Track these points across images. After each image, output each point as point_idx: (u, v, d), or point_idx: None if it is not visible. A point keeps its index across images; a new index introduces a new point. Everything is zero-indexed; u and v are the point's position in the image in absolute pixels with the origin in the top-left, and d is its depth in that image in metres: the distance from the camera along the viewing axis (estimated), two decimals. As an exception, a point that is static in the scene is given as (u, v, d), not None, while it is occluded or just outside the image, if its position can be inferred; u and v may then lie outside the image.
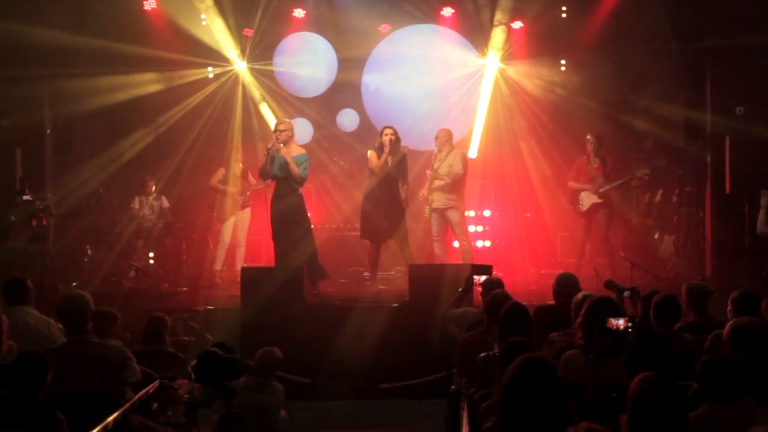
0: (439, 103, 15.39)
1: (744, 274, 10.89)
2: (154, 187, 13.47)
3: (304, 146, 13.82)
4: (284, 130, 10.60)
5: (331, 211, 14.65)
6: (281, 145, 10.45)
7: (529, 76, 14.86)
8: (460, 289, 7.95)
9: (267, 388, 7.41)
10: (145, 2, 13.66)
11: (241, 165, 12.53)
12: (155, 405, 6.65)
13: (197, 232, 13.55)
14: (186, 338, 8.09)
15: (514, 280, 12.12)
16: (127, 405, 5.67)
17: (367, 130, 15.17)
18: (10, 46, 11.64)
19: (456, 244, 14.04)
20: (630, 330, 5.11)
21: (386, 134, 10.97)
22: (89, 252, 12.93)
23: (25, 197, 10.85)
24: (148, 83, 13.63)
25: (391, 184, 11.05)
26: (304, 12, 14.83)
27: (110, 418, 5.30)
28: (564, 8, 14.69)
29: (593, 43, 14.05)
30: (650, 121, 13.50)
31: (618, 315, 5.32)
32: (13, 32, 11.44)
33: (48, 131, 12.76)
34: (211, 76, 14.80)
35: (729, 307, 6.45)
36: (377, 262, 11.20)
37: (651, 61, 13.31)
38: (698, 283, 7.26)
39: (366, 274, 12.84)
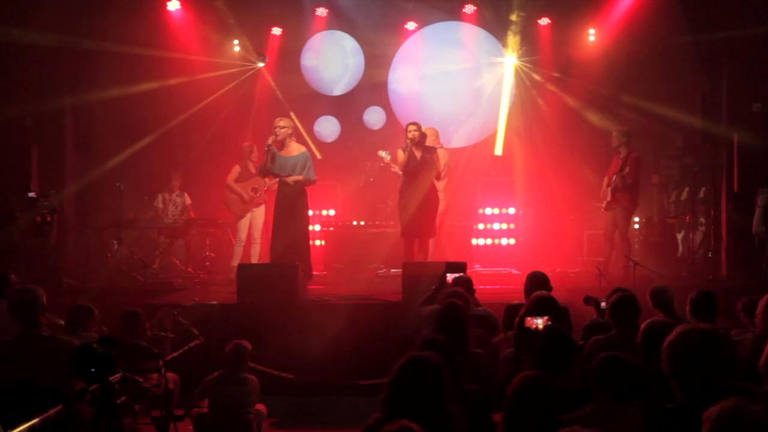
0: (464, 101, 15.39)
1: (756, 274, 10.64)
2: (178, 185, 13.73)
3: (331, 143, 14.21)
4: (283, 127, 10.69)
5: (358, 208, 14.74)
6: (272, 141, 10.56)
7: (554, 72, 14.73)
8: (433, 287, 7.94)
9: (238, 381, 7.49)
10: (168, 2, 13.87)
11: (254, 163, 12.66)
12: (122, 398, 6.79)
13: (220, 228, 13.71)
14: (164, 333, 8.21)
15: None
16: (74, 393, 5.77)
17: (393, 128, 15.24)
18: (33, 46, 11.94)
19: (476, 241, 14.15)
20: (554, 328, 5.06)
21: (409, 131, 11.13)
22: (116, 247, 13.23)
23: (30, 194, 11.15)
24: (168, 80, 13.82)
25: (420, 181, 11.13)
26: (326, 11, 14.91)
27: (52, 410, 5.42)
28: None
29: (617, 36, 13.92)
30: (671, 117, 13.29)
31: (548, 314, 5.28)
32: (34, 33, 11.75)
33: (68, 129, 13.01)
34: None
35: (687, 308, 6.33)
36: (411, 259, 11.17)
37: (672, 56, 13.11)
38: (662, 285, 7.13)
39: (381, 271, 12.99)
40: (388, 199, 14.07)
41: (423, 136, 11.14)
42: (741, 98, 11.44)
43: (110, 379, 6.31)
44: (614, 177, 11.73)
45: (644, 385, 4.16)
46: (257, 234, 12.62)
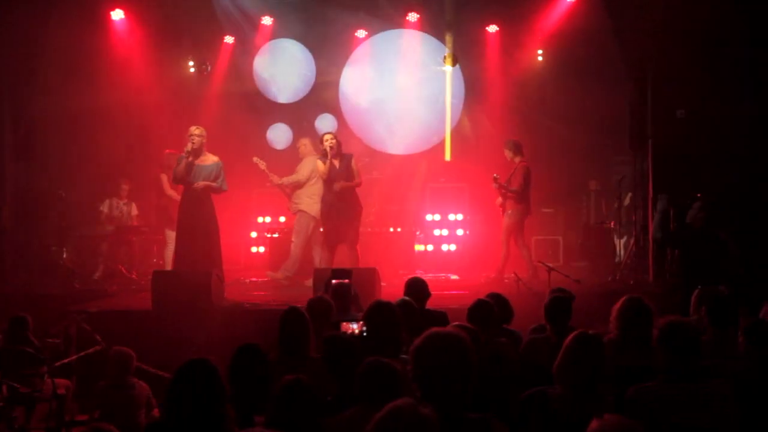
0: (414, 108, 15.51)
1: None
2: (126, 192, 13.86)
3: (282, 152, 14.33)
4: (198, 135, 10.77)
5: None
6: (189, 149, 10.66)
7: (500, 78, 14.85)
8: (318, 294, 8.01)
9: (125, 386, 7.60)
10: (111, 12, 13.99)
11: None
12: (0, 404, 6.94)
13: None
14: (51, 340, 8.33)
15: (466, 284, 12.20)
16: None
17: (345, 134, 15.35)
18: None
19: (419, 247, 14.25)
20: (365, 334, 5.16)
21: (326, 140, 11.33)
22: (65, 254, 13.36)
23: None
24: (112, 86, 13.93)
25: (340, 189, 11.30)
26: (272, 20, 15.07)
27: None
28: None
29: (561, 44, 14.06)
30: (602, 124, 13.42)
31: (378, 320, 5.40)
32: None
33: (6, 138, 13.15)
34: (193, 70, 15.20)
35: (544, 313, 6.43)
36: (331, 266, 11.28)
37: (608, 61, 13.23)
38: (559, 288, 7.21)
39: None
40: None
41: (339, 144, 11.30)
42: (666, 104, 11.48)
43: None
44: (506, 184, 12.01)
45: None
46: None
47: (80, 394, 8.39)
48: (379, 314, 5.58)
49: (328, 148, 11.18)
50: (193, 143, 10.60)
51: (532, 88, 14.80)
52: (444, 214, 14.64)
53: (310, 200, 12.42)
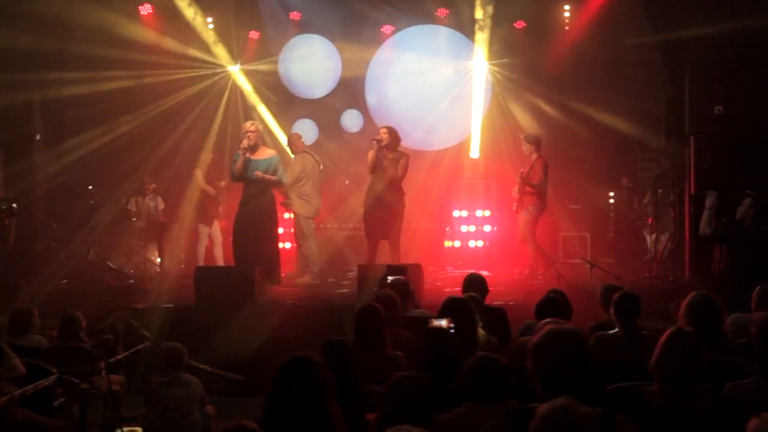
0: (440, 103, 15.44)
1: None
2: (151, 189, 13.82)
3: (309, 146, 14.25)
4: (254, 131, 10.74)
5: (335, 211, 14.81)
6: (246, 145, 10.62)
7: (529, 75, 14.80)
8: (374, 290, 8.00)
9: (180, 383, 7.55)
10: (141, 7, 13.96)
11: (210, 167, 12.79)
12: (60, 401, 6.88)
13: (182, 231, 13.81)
14: (107, 336, 8.28)
15: (500, 280, 12.11)
16: (4, 399, 5.85)
17: (371, 130, 15.31)
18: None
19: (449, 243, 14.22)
20: (453, 331, 5.11)
21: (379, 133, 11.22)
22: (91, 250, 13.33)
23: (-14, 199, 11.28)
24: (134, 80, 13.94)
25: (387, 183, 11.19)
26: (300, 15, 15.02)
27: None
28: (567, 6, 14.67)
29: (588, 41, 14.01)
30: (636, 119, 13.38)
31: (449, 316, 5.35)
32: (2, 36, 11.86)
33: (36, 131, 13.10)
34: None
35: (611, 309, 6.38)
36: (373, 261, 11.27)
37: (638, 58, 13.19)
38: (612, 284, 7.18)
39: (351, 273, 13.06)
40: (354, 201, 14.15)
41: (396, 139, 11.18)
42: (703, 101, 11.43)
43: (43, 381, 6.44)
44: (525, 180, 11.97)
45: (513, 386, 4.23)
46: (219, 236, 12.71)
47: (128, 390, 8.33)
48: (459, 311, 5.54)
49: (375, 140, 11.04)
50: (249, 139, 10.57)
51: (561, 83, 14.69)
52: (471, 211, 14.56)
53: (301, 201, 12.11)
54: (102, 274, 12.48)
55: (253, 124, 10.84)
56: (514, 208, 12.26)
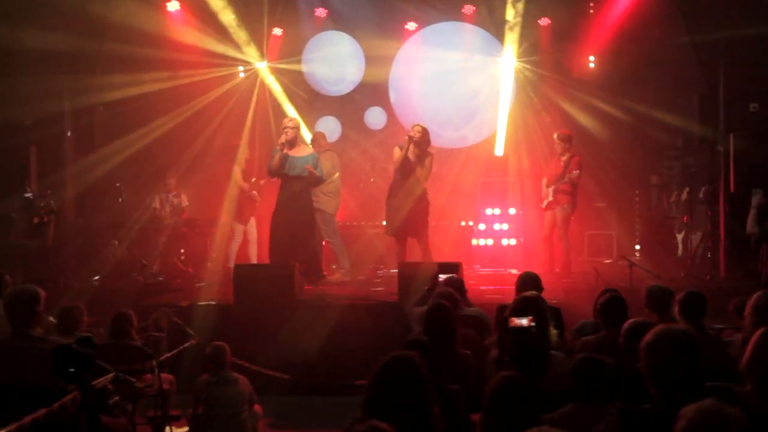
0: (465, 101, 15.41)
1: (753, 274, 10.62)
2: (174, 185, 13.75)
3: (332, 143, 14.20)
4: (293, 127, 10.70)
5: (358, 208, 14.78)
6: (283, 141, 10.59)
7: (554, 73, 14.76)
8: (425, 288, 7.95)
9: (228, 381, 7.51)
10: (167, 4, 13.90)
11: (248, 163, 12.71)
12: (115, 398, 6.83)
13: (220, 229, 13.74)
14: (157, 334, 8.25)
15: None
16: (68, 397, 5.81)
17: (394, 128, 15.30)
18: (33, 49, 12.00)
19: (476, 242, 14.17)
20: (534, 329, 5.06)
21: (413, 130, 11.13)
22: (117, 248, 13.31)
23: (26, 194, 11.21)
24: (166, 81, 13.87)
25: (413, 181, 11.14)
26: (326, 11, 14.95)
27: (41, 411, 5.44)
28: (591, 4, 14.63)
29: (616, 39, 13.97)
30: (669, 117, 13.34)
31: (532, 315, 5.28)
32: (34, 37, 11.81)
33: (69, 132, 13.05)
34: (242, 75, 15.09)
35: (676, 308, 6.34)
36: (404, 258, 11.20)
37: (669, 57, 13.15)
38: (658, 285, 7.12)
39: (380, 271, 13.06)
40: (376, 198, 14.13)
41: (425, 139, 11.12)
42: (738, 98, 11.39)
43: (101, 379, 6.39)
44: (564, 177, 11.90)
45: (621, 386, 4.18)
46: (255, 234, 12.65)
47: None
48: (533, 309, 5.49)
49: (408, 137, 10.97)
50: (287, 135, 10.53)
51: (586, 81, 14.66)
52: (497, 209, 14.50)
53: (327, 198, 12.07)
54: (131, 273, 12.45)
55: (291, 120, 10.81)
56: (544, 206, 12.20)
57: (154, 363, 7.44)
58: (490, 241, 14.24)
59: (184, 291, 11.39)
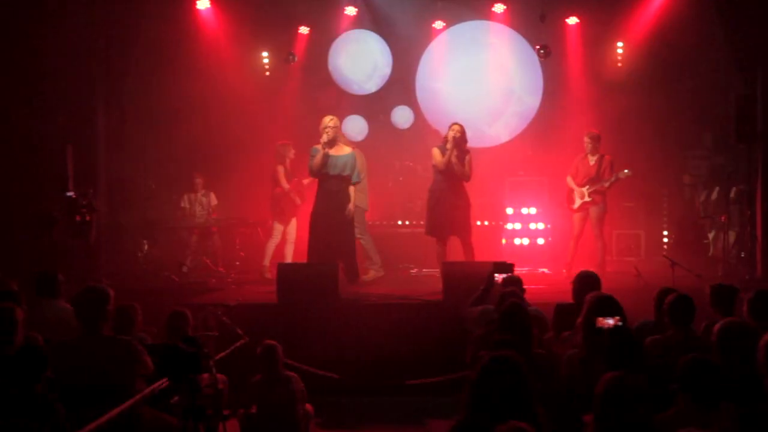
0: (492, 101, 15.37)
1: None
2: (201, 184, 13.72)
3: (358, 143, 14.15)
4: (333, 127, 10.68)
5: (386, 208, 14.73)
6: (325, 140, 10.57)
7: (584, 72, 14.73)
8: (481, 287, 7.92)
9: (282, 381, 7.49)
10: (197, 1, 13.88)
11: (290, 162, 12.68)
12: (175, 398, 6.80)
13: (250, 228, 13.71)
14: (209, 333, 8.22)
15: (559, 278, 12.05)
16: (137, 397, 5.78)
17: (421, 127, 15.27)
18: (64, 46, 11.98)
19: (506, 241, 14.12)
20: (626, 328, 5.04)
21: (452, 130, 11.10)
22: (146, 247, 13.30)
23: (69, 193, 11.19)
24: (201, 76, 13.87)
25: (455, 181, 11.14)
26: (356, 10, 14.90)
27: (114, 411, 5.42)
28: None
29: (647, 37, 13.94)
30: (703, 116, 13.30)
31: (613, 314, 5.26)
32: (65, 33, 11.80)
33: (100, 128, 13.02)
34: (267, 74, 15.09)
35: (744, 308, 6.31)
36: (444, 258, 11.13)
37: (704, 54, 13.12)
38: (722, 283, 7.10)
39: (413, 270, 13.03)
40: (417, 198, 14.08)
41: (464, 138, 11.11)
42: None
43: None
44: (609, 177, 11.96)
45: (731, 386, 4.15)
46: (294, 234, 12.62)
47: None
48: (611, 309, 5.46)
49: (450, 138, 10.94)
50: (327, 134, 10.50)
51: (617, 79, 14.61)
52: (531, 208, 14.47)
53: (361, 195, 11.99)
54: (163, 272, 12.43)
55: (332, 119, 10.77)
56: (576, 206, 12.18)
57: (211, 362, 7.42)
58: (525, 241, 14.18)
59: (221, 290, 11.37)
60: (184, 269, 12.75)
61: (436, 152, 11.14)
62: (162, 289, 11.16)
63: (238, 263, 13.39)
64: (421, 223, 13.26)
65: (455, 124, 11.16)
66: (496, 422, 3.88)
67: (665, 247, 14.33)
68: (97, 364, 5.81)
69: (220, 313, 8.78)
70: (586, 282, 7.18)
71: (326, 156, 10.54)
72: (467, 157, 11.18)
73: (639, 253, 14.26)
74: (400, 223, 14.52)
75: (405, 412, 8.71)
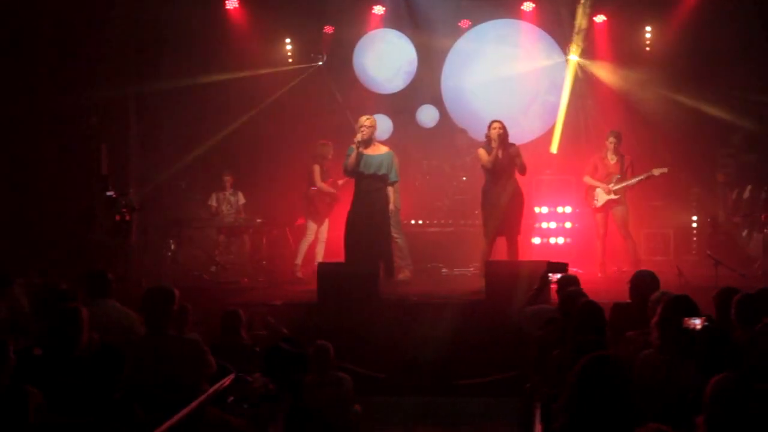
0: (519, 99, 15.29)
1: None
2: (230, 183, 13.67)
3: (383, 142, 14.06)
4: (369, 126, 10.61)
5: (412, 207, 14.65)
6: (359, 139, 10.50)
7: (611, 70, 14.65)
8: (535, 287, 7.86)
9: (332, 381, 7.43)
10: (227, 2, 13.83)
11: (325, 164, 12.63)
12: (231, 398, 6.74)
13: (278, 228, 13.65)
14: (261, 332, 8.17)
15: (592, 277, 11.96)
16: (203, 397, 5.73)
17: (446, 126, 15.19)
18: (98, 46, 11.96)
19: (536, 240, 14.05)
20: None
21: (494, 128, 10.98)
22: (173, 247, 13.23)
23: (109, 193, 11.16)
24: (228, 79, 13.81)
25: (506, 179, 10.98)
26: (384, 9, 14.83)
27: (185, 410, 5.37)
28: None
29: (678, 32, 13.88)
30: (737, 113, 13.22)
31: (695, 315, 5.19)
32: (99, 33, 11.79)
33: (131, 127, 12.99)
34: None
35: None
36: (489, 257, 10.92)
37: (739, 49, 13.05)
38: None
39: (444, 270, 12.96)
40: (444, 197, 14.01)
41: (507, 133, 10.99)
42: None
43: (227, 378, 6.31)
44: (616, 177, 12.06)
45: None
46: (326, 234, 12.57)
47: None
48: (692, 307, 5.39)
49: (496, 137, 10.83)
50: (362, 134, 10.44)
51: (646, 77, 14.53)
52: (552, 207, 14.38)
53: (395, 194, 11.68)
54: (192, 272, 12.38)
55: (368, 118, 10.70)
56: (600, 204, 12.15)
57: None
58: (560, 240, 14.08)
59: (256, 290, 11.34)
60: (213, 269, 12.70)
61: (482, 152, 10.99)
62: (197, 288, 11.06)
63: (264, 263, 13.32)
64: (450, 222, 13.27)
65: (495, 121, 11.03)
66: (596, 423, 3.83)
67: (695, 245, 14.24)
68: (166, 363, 5.77)
69: (265, 313, 8.73)
70: (644, 281, 7.11)
71: (360, 155, 10.47)
72: (514, 149, 11.03)
73: (668, 252, 14.15)
74: (427, 222, 14.34)
75: (453, 412, 8.64)
